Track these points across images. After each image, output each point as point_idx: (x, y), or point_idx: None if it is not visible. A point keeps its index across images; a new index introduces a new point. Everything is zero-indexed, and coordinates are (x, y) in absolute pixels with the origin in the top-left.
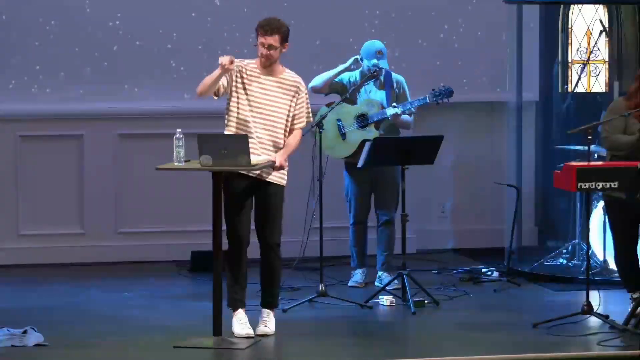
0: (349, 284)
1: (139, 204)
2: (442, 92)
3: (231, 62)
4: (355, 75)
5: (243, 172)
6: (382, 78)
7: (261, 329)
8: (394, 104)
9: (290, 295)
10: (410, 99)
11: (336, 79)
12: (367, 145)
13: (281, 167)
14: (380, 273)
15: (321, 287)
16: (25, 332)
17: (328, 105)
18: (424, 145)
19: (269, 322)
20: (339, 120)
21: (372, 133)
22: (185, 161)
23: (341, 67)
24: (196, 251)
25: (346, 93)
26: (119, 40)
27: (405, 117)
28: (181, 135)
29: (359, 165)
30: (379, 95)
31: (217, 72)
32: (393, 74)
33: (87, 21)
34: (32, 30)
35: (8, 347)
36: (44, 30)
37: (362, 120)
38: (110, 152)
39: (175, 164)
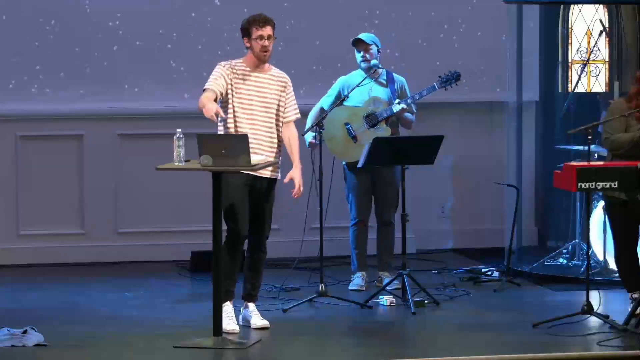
0: (350, 287)
1: (139, 204)
2: (449, 78)
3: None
4: (349, 79)
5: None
6: (383, 78)
7: (262, 323)
8: (398, 100)
9: (290, 295)
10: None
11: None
12: (367, 145)
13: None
14: (380, 273)
15: (321, 287)
16: (25, 332)
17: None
18: (424, 146)
19: (259, 315)
20: (347, 124)
21: (382, 130)
22: (185, 161)
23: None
24: (196, 251)
25: (344, 96)
26: (119, 40)
27: (408, 115)
28: (181, 135)
29: (359, 165)
30: (383, 93)
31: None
32: (394, 75)
33: (87, 21)
34: (32, 30)
35: (8, 347)
36: (44, 30)
37: (371, 120)
38: (110, 152)
39: (176, 164)
